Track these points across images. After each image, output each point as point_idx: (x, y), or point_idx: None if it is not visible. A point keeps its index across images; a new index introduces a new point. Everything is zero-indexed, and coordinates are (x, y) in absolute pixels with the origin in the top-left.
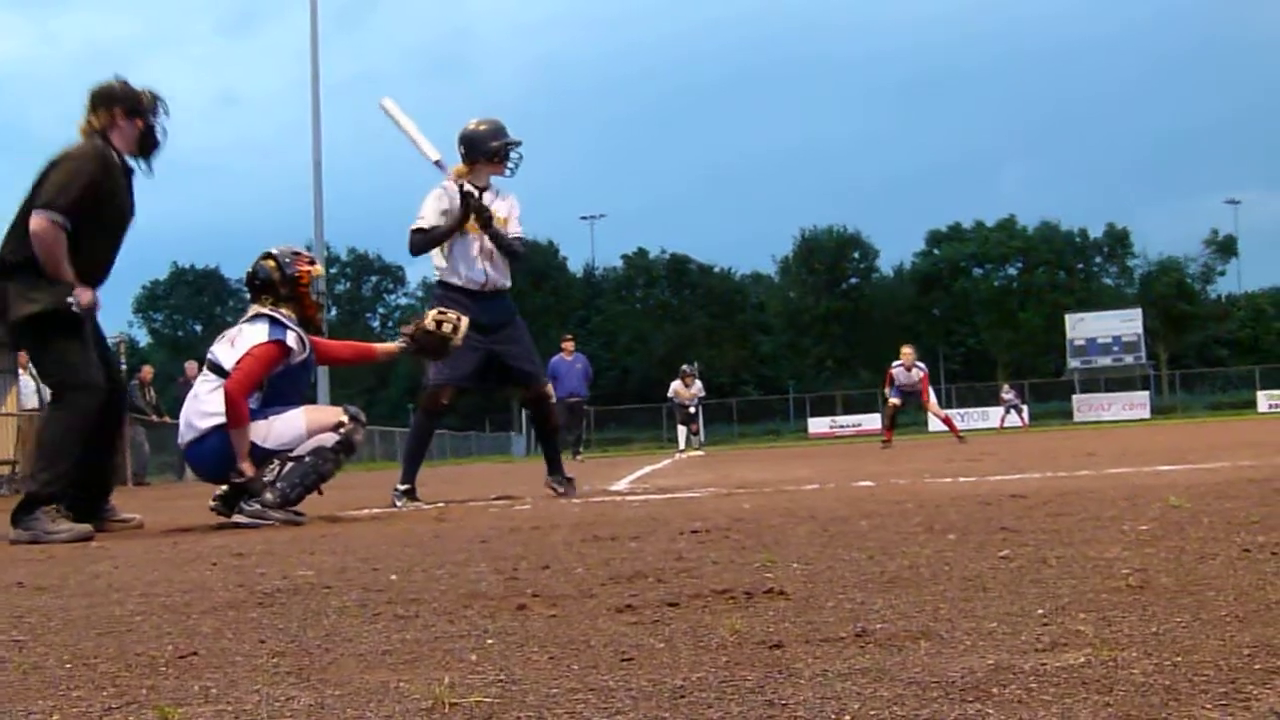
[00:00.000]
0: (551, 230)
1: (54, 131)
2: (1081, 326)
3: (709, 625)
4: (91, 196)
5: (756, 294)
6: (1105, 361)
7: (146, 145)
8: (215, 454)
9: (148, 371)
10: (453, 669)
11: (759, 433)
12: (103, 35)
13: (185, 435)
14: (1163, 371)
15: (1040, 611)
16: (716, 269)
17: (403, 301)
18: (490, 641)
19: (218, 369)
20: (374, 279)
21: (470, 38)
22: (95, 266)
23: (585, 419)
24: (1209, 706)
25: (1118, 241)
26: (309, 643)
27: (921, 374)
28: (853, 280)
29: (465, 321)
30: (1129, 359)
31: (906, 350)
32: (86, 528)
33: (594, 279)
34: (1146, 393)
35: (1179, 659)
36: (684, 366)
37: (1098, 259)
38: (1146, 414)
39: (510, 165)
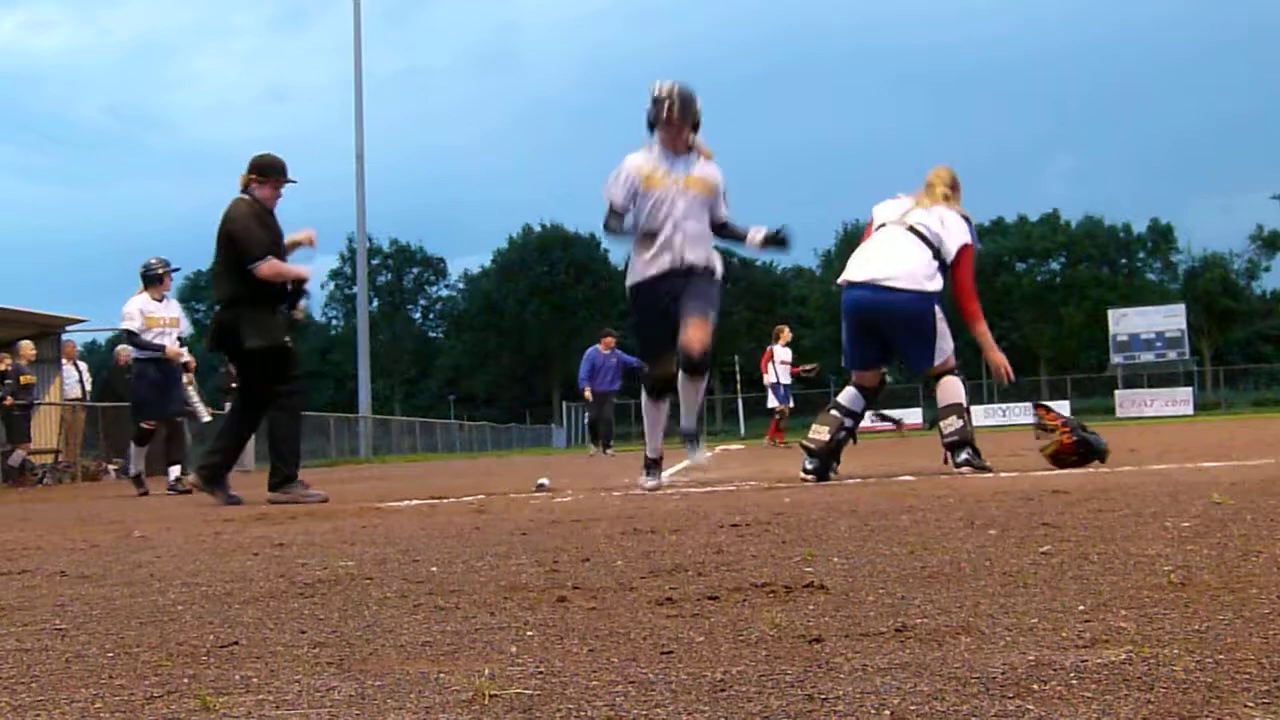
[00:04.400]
0: (594, 224)
1: (101, 123)
2: (1125, 322)
3: (749, 619)
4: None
5: (798, 287)
6: (1148, 357)
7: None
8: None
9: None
10: (493, 660)
11: (799, 427)
12: (152, 28)
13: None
14: (1206, 368)
15: (1081, 608)
16: (758, 262)
17: (444, 293)
18: (530, 633)
19: (928, 241)
20: (415, 270)
21: (517, 32)
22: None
23: (614, 412)
24: (1251, 704)
25: (1162, 237)
26: (349, 633)
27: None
28: None
29: None
30: (1172, 355)
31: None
32: (323, 493)
33: None
34: (1190, 389)
35: (1221, 656)
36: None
37: (1141, 254)
38: (1190, 410)
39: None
